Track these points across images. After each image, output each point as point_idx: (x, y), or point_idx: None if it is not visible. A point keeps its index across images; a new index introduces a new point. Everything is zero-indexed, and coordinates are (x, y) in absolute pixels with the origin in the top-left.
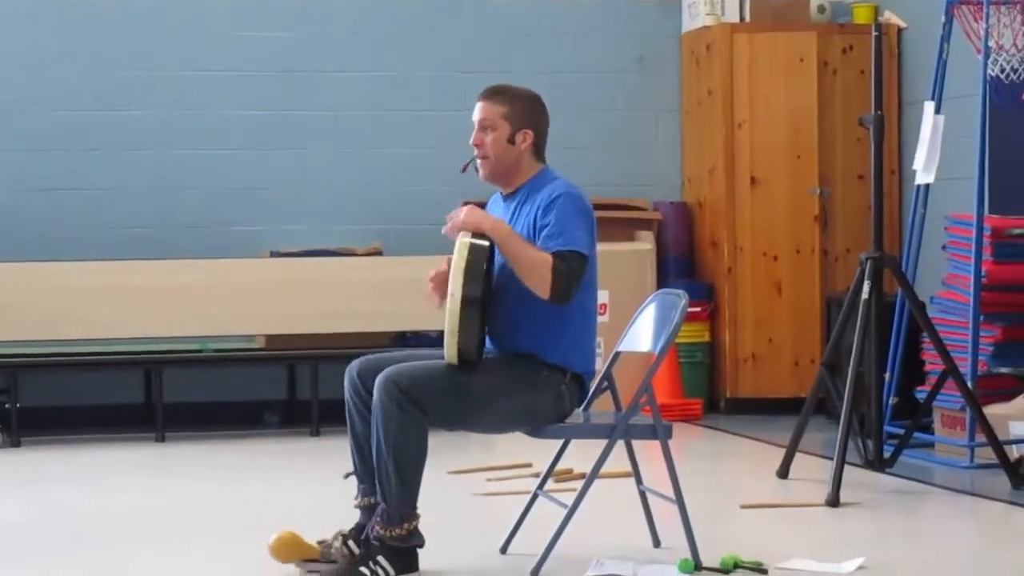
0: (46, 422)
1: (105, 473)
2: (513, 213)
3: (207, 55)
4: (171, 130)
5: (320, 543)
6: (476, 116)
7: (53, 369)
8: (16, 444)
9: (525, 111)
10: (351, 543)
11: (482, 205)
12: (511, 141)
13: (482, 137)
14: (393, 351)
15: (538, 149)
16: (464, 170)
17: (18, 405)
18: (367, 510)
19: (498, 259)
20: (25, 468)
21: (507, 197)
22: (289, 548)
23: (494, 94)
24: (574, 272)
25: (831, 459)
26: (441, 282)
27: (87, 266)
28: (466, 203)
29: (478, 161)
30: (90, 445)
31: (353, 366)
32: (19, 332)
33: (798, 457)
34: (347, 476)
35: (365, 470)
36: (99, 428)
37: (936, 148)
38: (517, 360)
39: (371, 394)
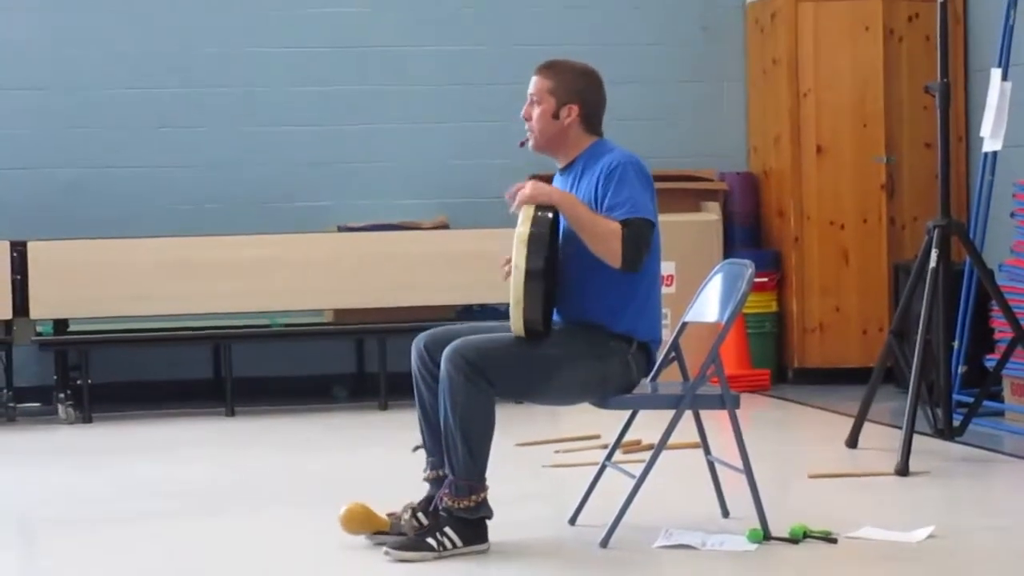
0: (117, 398)
1: (176, 447)
2: (572, 186)
3: (275, 32)
4: (239, 106)
5: (390, 515)
6: (528, 89)
7: (123, 345)
8: (88, 420)
9: (571, 85)
10: (420, 515)
11: (548, 179)
12: (555, 116)
13: (529, 111)
14: (460, 324)
15: (589, 122)
16: (522, 144)
17: (89, 381)
18: (436, 483)
19: (563, 230)
20: (97, 443)
21: (563, 171)
22: (359, 520)
23: (544, 68)
24: (643, 238)
25: (900, 428)
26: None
27: (156, 242)
28: (531, 177)
29: (529, 134)
30: (160, 420)
31: (420, 339)
32: (89, 309)
33: (867, 426)
34: (415, 449)
35: (433, 443)
36: (169, 403)
37: (1003, 115)
38: (584, 330)
39: (438, 366)
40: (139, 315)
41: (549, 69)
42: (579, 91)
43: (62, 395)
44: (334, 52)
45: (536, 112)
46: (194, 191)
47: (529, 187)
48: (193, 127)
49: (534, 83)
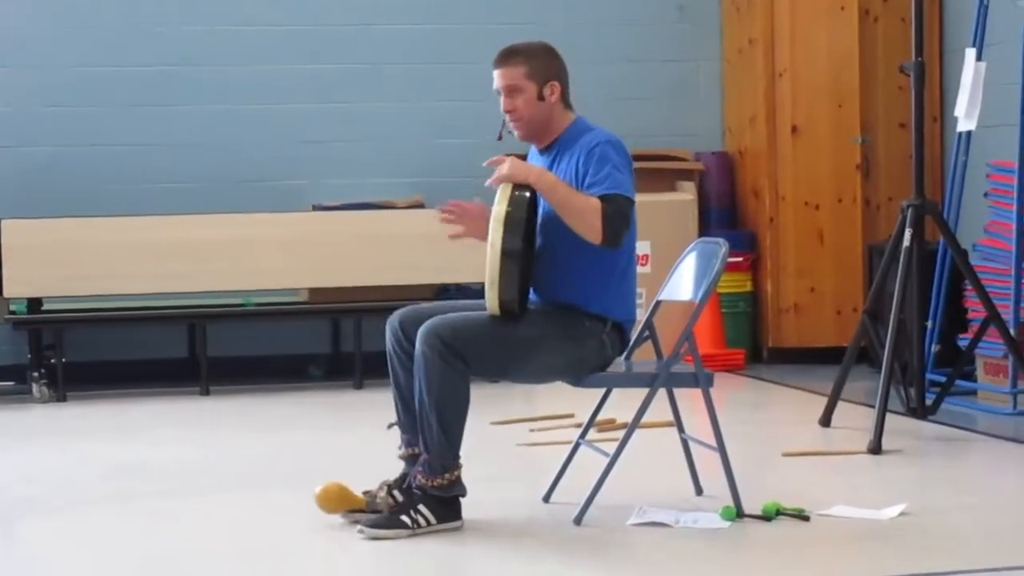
0: (91, 377)
1: (151, 427)
2: (552, 165)
3: (252, 10)
4: (215, 85)
5: (365, 494)
6: (498, 84)
7: (98, 324)
8: (62, 399)
9: (545, 64)
10: (395, 492)
11: (523, 158)
12: (540, 98)
13: (512, 102)
14: (434, 303)
15: (566, 97)
16: (500, 138)
17: (63, 360)
18: (411, 460)
19: (542, 210)
20: (71, 423)
21: (544, 151)
22: (335, 499)
23: (509, 56)
24: (622, 214)
25: (873, 407)
26: (459, 213)
27: (130, 221)
28: (508, 156)
29: (511, 125)
30: (135, 400)
31: (394, 317)
32: (64, 288)
33: (840, 405)
34: (390, 427)
35: (408, 420)
36: (144, 383)
37: (978, 95)
38: (559, 311)
39: (413, 344)
40: (113, 294)
41: (517, 55)
42: (554, 68)
43: (36, 374)
44: (310, 31)
45: (520, 100)
46: (169, 170)
47: (507, 166)
48: (168, 105)
49: (505, 75)
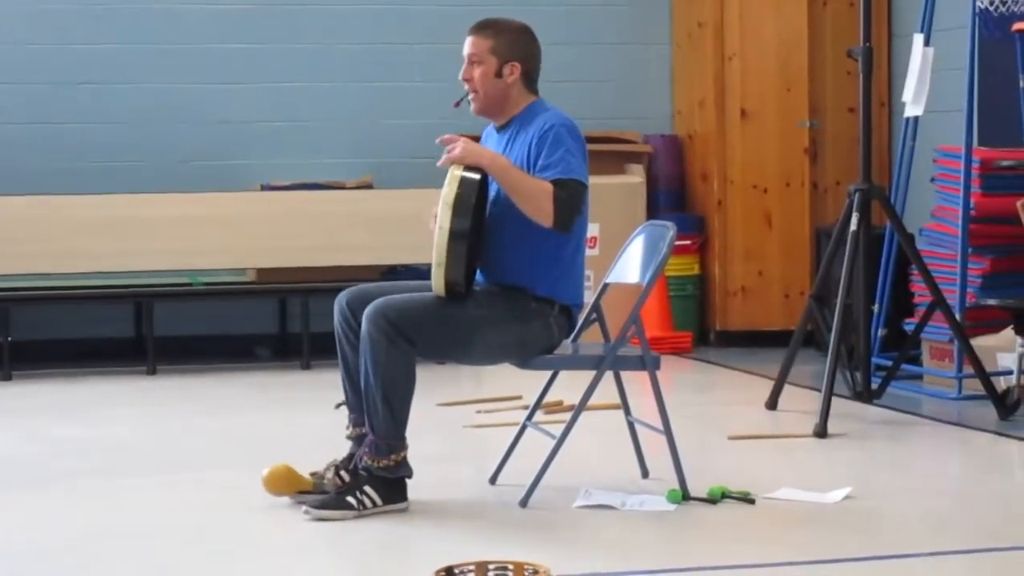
0: (37, 356)
1: (97, 406)
2: (507, 145)
3: None
4: (162, 63)
5: (313, 475)
6: (465, 50)
7: (43, 303)
8: (7, 378)
9: (512, 43)
10: (343, 473)
11: (475, 139)
12: (499, 75)
13: (471, 72)
14: (382, 283)
15: (529, 80)
16: (457, 105)
17: (9, 339)
18: (359, 440)
19: (493, 191)
20: (16, 402)
21: (500, 129)
22: (282, 481)
23: (482, 28)
24: (574, 199)
25: (819, 391)
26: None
27: (77, 199)
28: (461, 136)
29: (470, 96)
30: (81, 379)
31: (342, 296)
32: (9, 266)
33: (787, 389)
34: (338, 406)
35: (356, 399)
36: (90, 362)
37: (925, 80)
38: (506, 292)
39: (360, 324)
40: (60, 273)
41: (488, 28)
42: (520, 49)
43: None
44: (258, 8)
45: (478, 73)
46: (116, 148)
47: (459, 148)
48: (116, 83)
49: (472, 44)
